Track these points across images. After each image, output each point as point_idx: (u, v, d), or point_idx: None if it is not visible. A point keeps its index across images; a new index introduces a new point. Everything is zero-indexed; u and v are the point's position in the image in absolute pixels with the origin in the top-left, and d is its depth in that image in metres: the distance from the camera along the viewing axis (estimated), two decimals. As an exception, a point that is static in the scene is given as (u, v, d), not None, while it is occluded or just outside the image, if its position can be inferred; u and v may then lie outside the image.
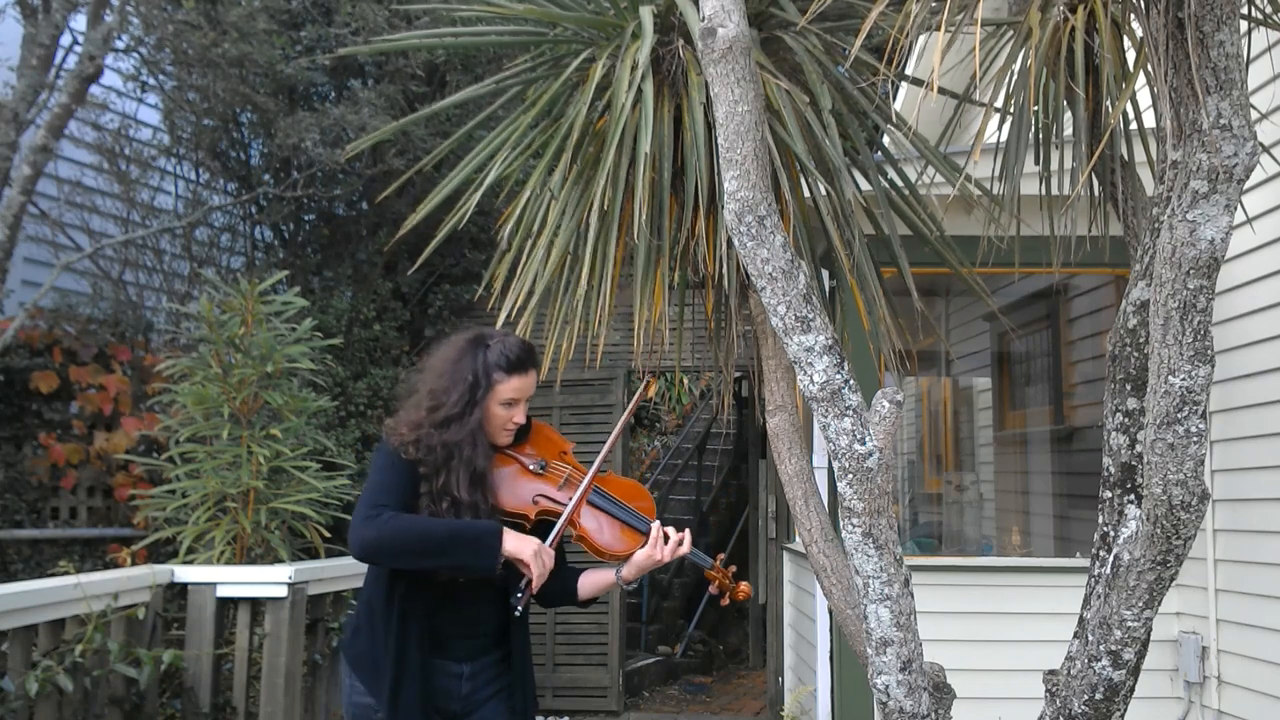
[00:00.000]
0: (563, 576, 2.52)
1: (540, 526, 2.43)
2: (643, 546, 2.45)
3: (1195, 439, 2.02)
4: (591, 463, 2.51)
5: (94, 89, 6.17)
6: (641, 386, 3.14)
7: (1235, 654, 4.16)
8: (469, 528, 2.30)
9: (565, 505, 2.43)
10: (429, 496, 2.34)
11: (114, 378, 6.03)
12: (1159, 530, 2.08)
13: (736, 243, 2.31)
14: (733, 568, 2.63)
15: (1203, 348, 2.01)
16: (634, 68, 2.63)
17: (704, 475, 10.02)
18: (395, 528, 2.25)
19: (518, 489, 2.45)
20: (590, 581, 2.54)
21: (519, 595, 2.33)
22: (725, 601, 2.61)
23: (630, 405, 2.91)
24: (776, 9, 2.84)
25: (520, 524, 2.41)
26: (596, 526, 2.46)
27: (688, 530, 2.50)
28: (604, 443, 2.59)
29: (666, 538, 2.44)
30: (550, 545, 2.35)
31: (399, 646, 2.34)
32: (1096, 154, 2.39)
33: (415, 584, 2.36)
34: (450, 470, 2.34)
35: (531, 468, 2.47)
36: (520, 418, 2.45)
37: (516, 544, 2.29)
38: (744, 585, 2.61)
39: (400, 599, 2.36)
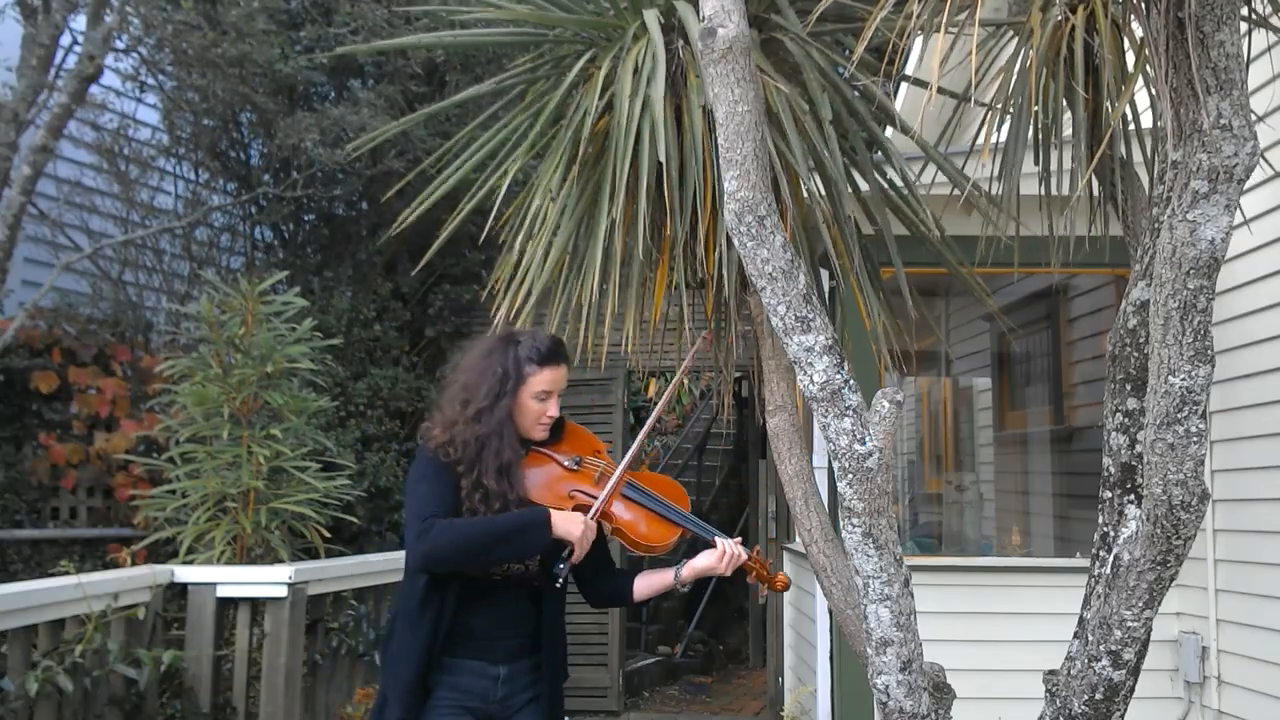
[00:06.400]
0: (614, 576, 2.59)
1: (558, 565, 2.45)
2: (679, 537, 2.52)
3: (1195, 439, 2.02)
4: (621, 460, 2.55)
5: (94, 89, 6.17)
6: (689, 354, 2.89)
7: (1235, 654, 4.15)
8: (516, 521, 2.35)
9: (598, 498, 2.47)
10: (464, 491, 2.39)
11: (111, 381, 6.02)
12: (1159, 530, 2.08)
13: (736, 243, 2.31)
14: (770, 560, 2.64)
15: (1203, 348, 2.01)
16: (636, 70, 2.63)
17: (704, 475, 10.01)
18: (447, 539, 2.29)
19: (554, 486, 2.50)
20: (647, 583, 2.57)
21: (561, 567, 2.38)
22: (764, 591, 2.64)
23: (677, 377, 2.83)
24: (775, 15, 2.84)
25: None
26: (632, 519, 2.51)
27: (739, 539, 2.53)
28: (613, 441, 2.60)
29: (725, 550, 2.49)
30: (561, 577, 2.41)
31: (427, 642, 2.36)
32: (1098, 155, 2.39)
33: (444, 580, 2.38)
34: (481, 463, 2.38)
35: (567, 464, 2.51)
36: (553, 410, 2.50)
37: (565, 524, 2.36)
38: (781, 575, 2.62)
39: (428, 595, 2.38)
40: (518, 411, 2.46)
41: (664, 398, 2.79)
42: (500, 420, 2.41)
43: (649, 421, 2.77)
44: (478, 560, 2.34)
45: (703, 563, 2.49)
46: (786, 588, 2.65)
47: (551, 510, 2.37)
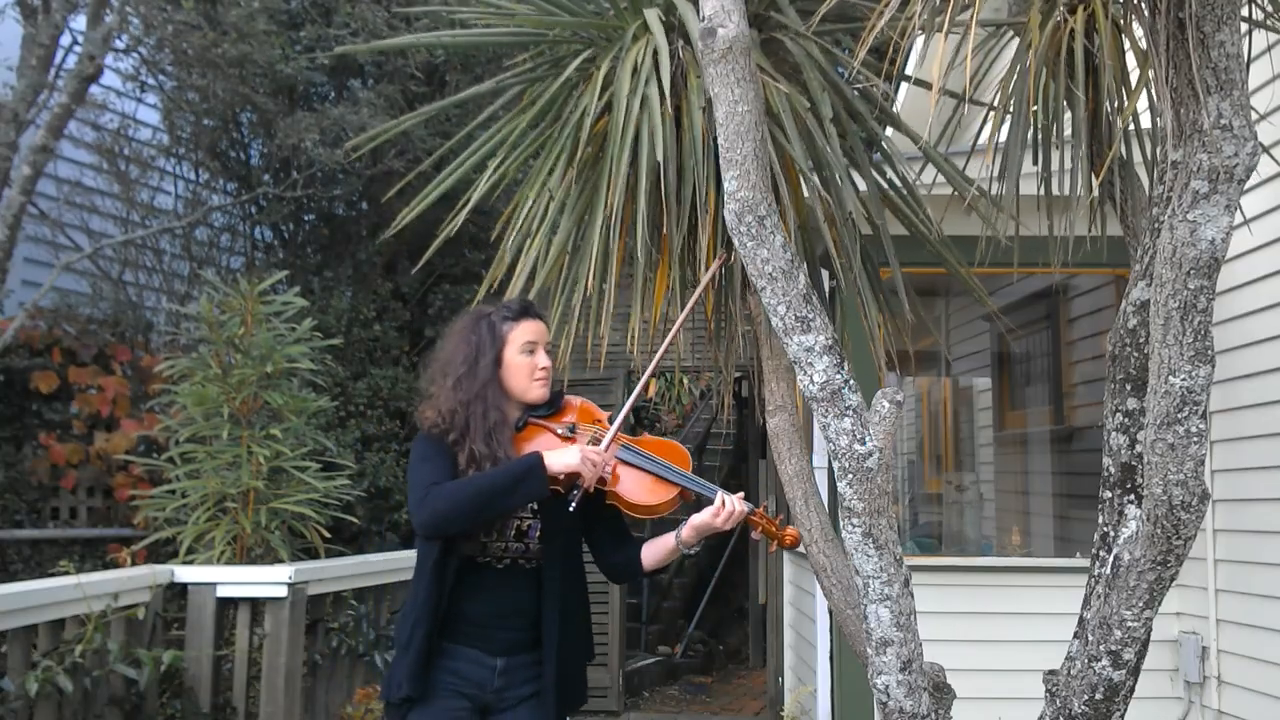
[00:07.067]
0: (625, 548, 2.57)
1: (572, 490, 2.43)
2: (677, 497, 2.48)
3: (1195, 439, 2.02)
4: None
5: (94, 89, 6.17)
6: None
7: (1235, 654, 4.15)
8: (512, 469, 2.36)
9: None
10: (462, 465, 2.41)
11: (112, 380, 6.03)
12: (1159, 530, 2.08)
13: (736, 243, 2.31)
14: (781, 516, 2.59)
15: (1203, 348, 2.01)
16: (635, 70, 2.63)
17: (704, 475, 9.97)
18: (445, 499, 2.31)
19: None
20: (652, 550, 2.54)
21: (575, 492, 2.38)
22: (773, 548, 2.60)
23: (662, 348, 2.71)
24: (776, 13, 2.84)
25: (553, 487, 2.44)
26: (627, 481, 2.47)
27: (740, 495, 2.49)
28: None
29: (724, 504, 2.45)
30: (574, 502, 2.39)
31: (429, 626, 2.38)
32: (1108, 161, 2.39)
33: (446, 564, 2.40)
34: (470, 430, 2.40)
35: (560, 432, 2.49)
36: (545, 361, 2.50)
37: (561, 460, 2.36)
38: (791, 530, 2.57)
39: (428, 581, 2.40)
40: (508, 374, 2.47)
41: (668, 338, 2.67)
42: (483, 383, 2.43)
43: (652, 364, 2.65)
44: (482, 514, 2.34)
45: (702, 519, 2.45)
46: (797, 543, 2.58)
47: (545, 454, 2.36)
